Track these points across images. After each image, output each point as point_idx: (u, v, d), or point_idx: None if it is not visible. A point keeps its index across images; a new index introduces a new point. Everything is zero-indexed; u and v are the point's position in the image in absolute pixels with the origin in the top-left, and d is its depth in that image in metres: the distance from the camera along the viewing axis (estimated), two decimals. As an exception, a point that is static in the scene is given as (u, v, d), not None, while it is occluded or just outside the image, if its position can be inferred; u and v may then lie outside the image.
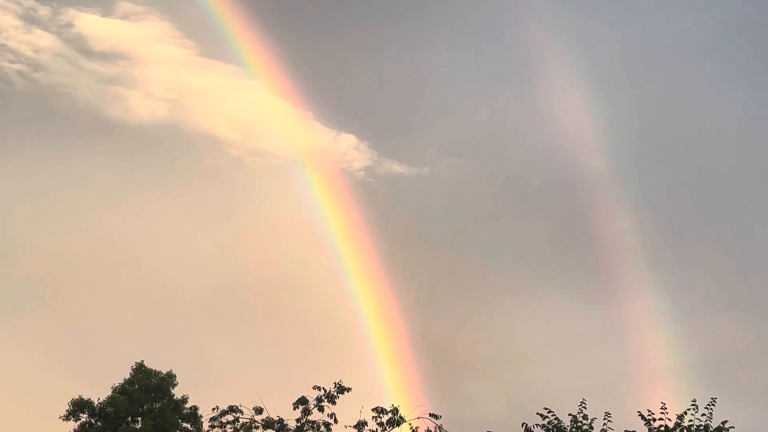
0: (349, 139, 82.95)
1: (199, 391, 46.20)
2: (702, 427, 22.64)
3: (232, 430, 27.28)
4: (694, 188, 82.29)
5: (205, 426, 28.74)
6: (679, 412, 22.97)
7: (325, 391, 27.37)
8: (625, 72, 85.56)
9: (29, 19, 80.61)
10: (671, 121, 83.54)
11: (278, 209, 77.83)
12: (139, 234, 76.88)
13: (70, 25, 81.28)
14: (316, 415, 27.05)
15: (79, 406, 43.66)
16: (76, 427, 43.50)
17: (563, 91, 79.15)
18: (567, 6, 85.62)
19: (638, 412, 22.99)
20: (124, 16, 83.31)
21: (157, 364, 45.76)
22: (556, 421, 23.08)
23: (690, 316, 68.95)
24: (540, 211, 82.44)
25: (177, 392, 45.31)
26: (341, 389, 27.66)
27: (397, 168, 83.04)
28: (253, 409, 27.23)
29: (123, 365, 45.79)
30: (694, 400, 22.99)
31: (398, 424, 26.37)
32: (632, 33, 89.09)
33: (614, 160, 74.90)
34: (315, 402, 27.27)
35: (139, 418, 43.98)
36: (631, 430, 23.45)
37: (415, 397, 54.05)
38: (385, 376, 53.67)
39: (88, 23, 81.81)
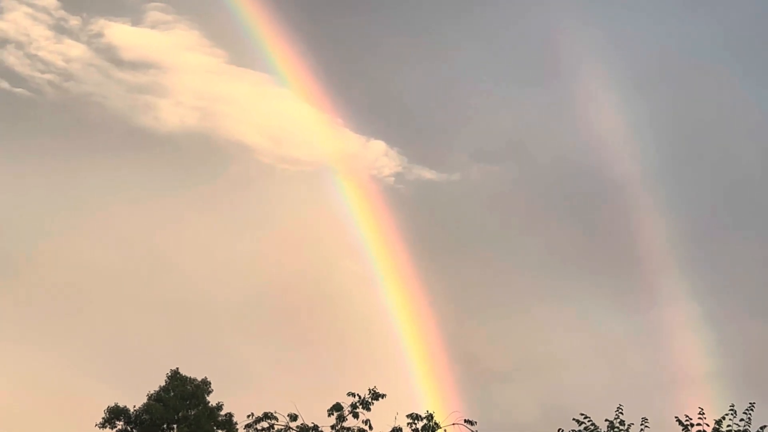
0: (378, 146, 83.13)
1: (234, 398, 46.43)
2: (740, 433, 22.42)
3: (266, 436, 27.26)
4: (727, 193, 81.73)
5: (240, 432, 28.77)
6: (717, 417, 22.75)
7: (360, 397, 27.25)
8: (656, 75, 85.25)
9: (60, 30, 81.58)
10: (704, 125, 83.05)
11: (309, 216, 78.11)
12: (170, 241, 77.44)
13: (100, 34, 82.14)
14: (350, 422, 26.95)
15: (114, 414, 43.98)
16: (111, 434, 43.88)
17: (593, 95, 78.85)
18: (596, 9, 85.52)
19: (676, 417, 22.74)
20: (154, 25, 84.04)
21: (192, 370, 46.04)
22: (592, 427, 22.93)
23: (725, 321, 68.54)
24: (572, 215, 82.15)
25: (212, 399, 45.60)
26: (376, 395, 27.53)
27: (427, 174, 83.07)
28: (288, 415, 27.19)
29: (157, 372, 46.09)
30: (732, 405, 22.76)
31: (433, 431, 26.27)
32: (663, 35, 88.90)
33: (646, 165, 74.54)
34: (350, 408, 27.17)
35: (175, 426, 44.23)
36: (668, 435, 23.27)
37: (450, 403, 53.98)
38: (419, 382, 53.68)
39: (118, 33, 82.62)
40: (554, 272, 77.75)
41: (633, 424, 23.05)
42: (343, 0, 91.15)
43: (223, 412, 45.41)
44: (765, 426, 22.56)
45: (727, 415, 22.69)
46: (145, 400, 44.62)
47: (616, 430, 22.79)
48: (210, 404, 45.33)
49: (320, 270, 74.57)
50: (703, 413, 22.71)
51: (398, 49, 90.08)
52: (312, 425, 27.22)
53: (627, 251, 73.23)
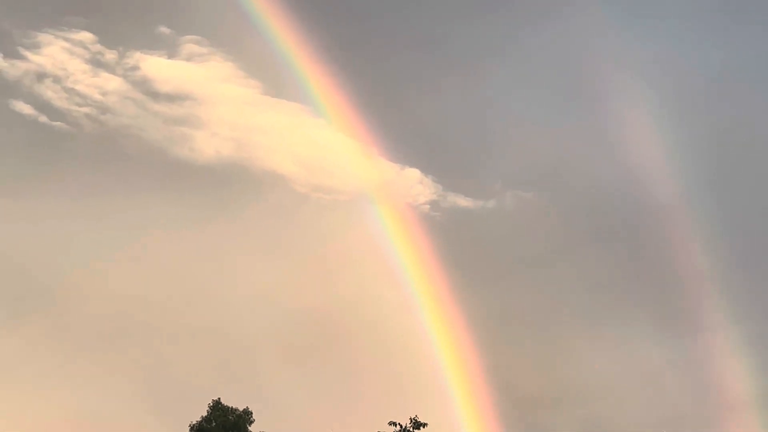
0: (413, 174, 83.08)
1: (276, 428, 46.28)
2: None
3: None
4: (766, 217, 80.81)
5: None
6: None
7: (402, 426, 27.16)
8: (693, 100, 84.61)
9: (96, 63, 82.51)
10: (742, 150, 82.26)
11: (345, 244, 78.02)
12: (208, 271, 77.55)
13: (136, 68, 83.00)
14: (393, 451, 26.84)
15: (158, 444, 44.08)
16: (155, 464, 44.04)
17: (629, 121, 78.41)
18: (630, 35, 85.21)
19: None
20: (189, 58, 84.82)
21: (232, 400, 46.06)
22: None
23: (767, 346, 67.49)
24: (610, 242, 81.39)
25: (254, 429, 45.66)
26: (417, 424, 27.45)
27: (462, 201, 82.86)
28: None
29: (199, 402, 46.11)
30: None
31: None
32: (699, 61, 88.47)
33: (685, 190, 73.86)
34: None
35: (218, 455, 44.24)
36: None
37: (492, 430, 53.69)
38: (460, 410, 53.34)
39: (154, 66, 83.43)
40: (593, 299, 77.08)
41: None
42: (375, 30, 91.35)
43: (264, 442, 45.39)
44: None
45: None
46: (187, 430, 44.62)
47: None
48: (252, 434, 45.28)
49: (358, 297, 74.35)
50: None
51: (432, 77, 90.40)
52: (356, 454, 27.09)
53: (667, 277, 72.46)
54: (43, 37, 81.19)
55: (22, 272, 71.91)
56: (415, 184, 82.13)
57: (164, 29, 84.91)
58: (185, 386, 62.87)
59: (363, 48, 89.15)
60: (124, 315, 71.68)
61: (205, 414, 45.30)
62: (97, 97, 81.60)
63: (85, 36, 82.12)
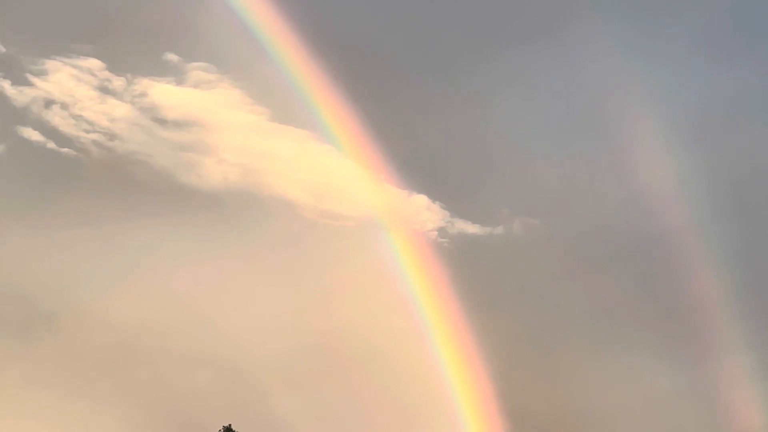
0: (421, 200, 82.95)
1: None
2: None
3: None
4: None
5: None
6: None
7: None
8: (699, 130, 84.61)
9: (104, 90, 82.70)
10: (751, 175, 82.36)
11: (353, 270, 77.73)
12: (214, 298, 77.14)
13: (143, 94, 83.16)
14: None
15: (168, 471, 43.75)
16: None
17: (635, 149, 78.64)
18: (638, 60, 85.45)
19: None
20: (197, 85, 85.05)
21: (240, 427, 45.76)
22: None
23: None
24: (618, 268, 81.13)
25: (264, 457, 45.25)
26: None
27: (470, 228, 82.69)
28: None
29: (205, 429, 45.82)
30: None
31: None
32: (707, 87, 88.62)
33: (695, 216, 73.77)
34: None
35: (227, 483, 43.94)
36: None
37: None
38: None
39: (162, 92, 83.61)
40: (604, 325, 76.73)
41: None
42: (383, 58, 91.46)
43: (275, 470, 45.02)
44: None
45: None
46: (197, 457, 44.32)
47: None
48: (262, 462, 44.94)
49: (366, 324, 73.99)
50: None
51: (438, 103, 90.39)
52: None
53: (677, 304, 72.33)
54: (51, 63, 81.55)
55: (26, 299, 71.74)
56: (423, 211, 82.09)
57: (172, 56, 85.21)
58: (194, 413, 62.51)
59: (370, 75, 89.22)
60: (129, 342, 71.34)
61: (215, 441, 45.14)
62: (105, 123, 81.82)
63: (93, 63, 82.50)
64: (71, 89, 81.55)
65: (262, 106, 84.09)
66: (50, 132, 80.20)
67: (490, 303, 77.33)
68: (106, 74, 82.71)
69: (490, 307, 76.90)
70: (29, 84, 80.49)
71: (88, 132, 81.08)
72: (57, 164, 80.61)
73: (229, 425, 45.62)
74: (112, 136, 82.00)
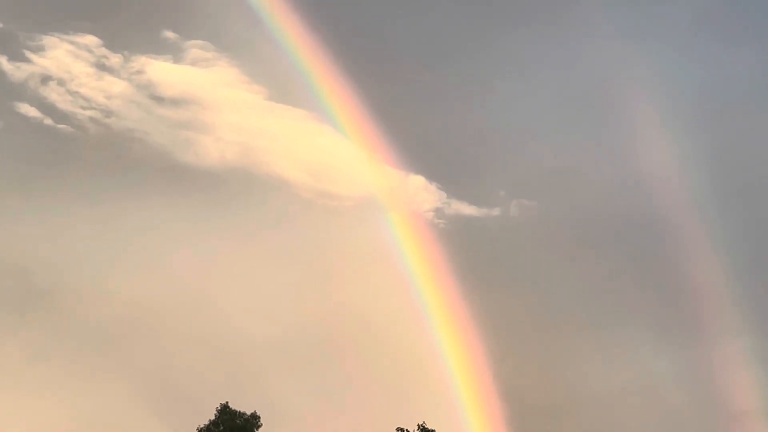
0: (418, 181, 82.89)
1: (283, 432, 46.04)
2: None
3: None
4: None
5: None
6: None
7: (409, 432, 26.87)
8: (700, 110, 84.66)
9: (101, 67, 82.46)
10: (750, 159, 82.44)
11: (349, 250, 77.76)
12: (212, 276, 77.14)
13: (141, 72, 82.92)
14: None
15: (165, 448, 43.83)
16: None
17: (631, 133, 78.72)
18: (640, 46, 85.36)
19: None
20: (194, 63, 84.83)
21: (239, 404, 45.80)
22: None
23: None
24: (615, 250, 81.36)
25: (261, 433, 45.31)
26: (425, 431, 27.20)
27: (467, 209, 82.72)
28: None
29: (206, 406, 45.86)
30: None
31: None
32: (704, 74, 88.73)
33: (694, 200, 73.77)
34: None
35: (225, 459, 43.98)
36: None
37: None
38: (467, 416, 53.05)
39: (159, 70, 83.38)
40: (600, 307, 76.97)
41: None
42: (382, 40, 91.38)
43: (272, 447, 45.09)
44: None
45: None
46: (195, 433, 44.39)
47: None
48: (259, 438, 45.03)
49: (362, 302, 74.04)
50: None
51: (436, 85, 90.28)
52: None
53: (675, 286, 72.40)
54: (48, 40, 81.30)
55: (24, 275, 71.69)
56: (420, 191, 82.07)
57: (170, 34, 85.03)
58: (191, 390, 62.55)
59: (369, 57, 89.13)
60: (127, 319, 71.32)
61: (212, 418, 45.07)
62: (102, 100, 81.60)
63: (90, 40, 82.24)
64: (68, 65, 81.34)
65: (260, 85, 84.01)
66: (47, 108, 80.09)
67: (486, 284, 77.43)
68: (103, 51, 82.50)
69: (486, 288, 76.99)
70: (26, 60, 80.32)
71: (84, 109, 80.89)
72: (54, 140, 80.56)
73: (227, 403, 45.53)
74: (108, 113, 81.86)
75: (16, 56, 79.96)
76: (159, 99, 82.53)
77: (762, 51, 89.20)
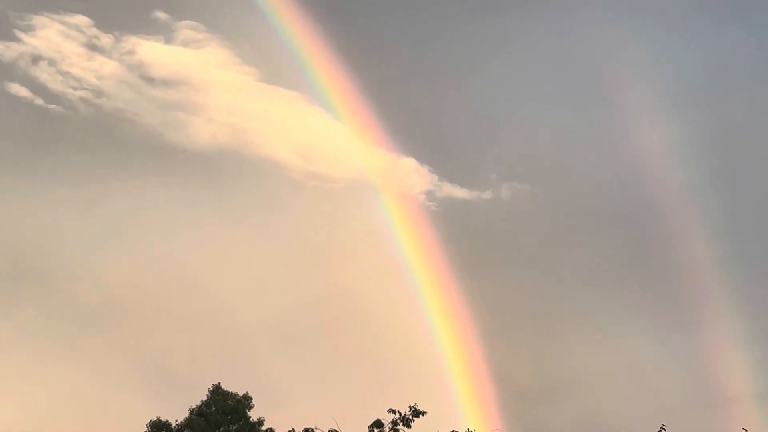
0: (409, 163, 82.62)
1: (275, 414, 46.04)
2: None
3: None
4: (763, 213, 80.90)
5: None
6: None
7: (401, 414, 26.71)
8: (690, 98, 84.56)
9: (92, 47, 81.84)
10: (745, 143, 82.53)
11: (340, 232, 77.88)
12: (203, 258, 77.18)
13: (132, 52, 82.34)
14: (391, 439, 26.47)
15: (157, 428, 43.90)
16: (153, 449, 43.62)
17: (625, 116, 78.61)
18: (632, 28, 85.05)
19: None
20: (185, 44, 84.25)
21: (231, 386, 45.82)
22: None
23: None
24: (607, 234, 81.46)
25: (253, 414, 45.48)
26: (416, 412, 26.93)
27: (458, 192, 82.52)
28: (329, 431, 26.85)
29: (199, 387, 45.85)
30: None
31: (474, 448, 25.76)
32: (699, 56, 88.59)
33: (686, 183, 73.79)
34: (390, 425, 26.55)
35: (216, 440, 43.91)
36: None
37: (491, 421, 53.50)
38: (460, 399, 53.10)
39: (150, 50, 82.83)
40: (591, 291, 77.14)
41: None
42: (372, 19, 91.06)
43: (264, 428, 45.11)
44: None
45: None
46: (187, 414, 44.27)
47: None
48: (251, 419, 45.06)
49: (354, 285, 74.19)
50: (747, 433, 22.19)
51: (429, 67, 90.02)
52: (352, 442, 26.77)
53: (666, 270, 72.63)
54: (38, 19, 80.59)
55: (14, 256, 71.59)
56: (411, 174, 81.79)
57: (161, 14, 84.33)
58: (183, 371, 62.68)
59: (360, 39, 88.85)
60: (117, 301, 71.39)
61: (204, 398, 45.05)
62: (93, 80, 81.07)
63: (81, 19, 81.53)
64: (59, 45, 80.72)
65: (251, 66, 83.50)
66: (38, 88, 79.56)
67: (478, 267, 77.54)
68: (94, 31, 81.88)
69: (478, 271, 77.13)
70: (16, 39, 79.72)
71: (75, 89, 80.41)
72: (44, 121, 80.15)
73: (219, 384, 45.49)
74: (99, 94, 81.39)
75: (6, 36, 79.58)
76: (150, 80, 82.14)
77: (760, 34, 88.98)
